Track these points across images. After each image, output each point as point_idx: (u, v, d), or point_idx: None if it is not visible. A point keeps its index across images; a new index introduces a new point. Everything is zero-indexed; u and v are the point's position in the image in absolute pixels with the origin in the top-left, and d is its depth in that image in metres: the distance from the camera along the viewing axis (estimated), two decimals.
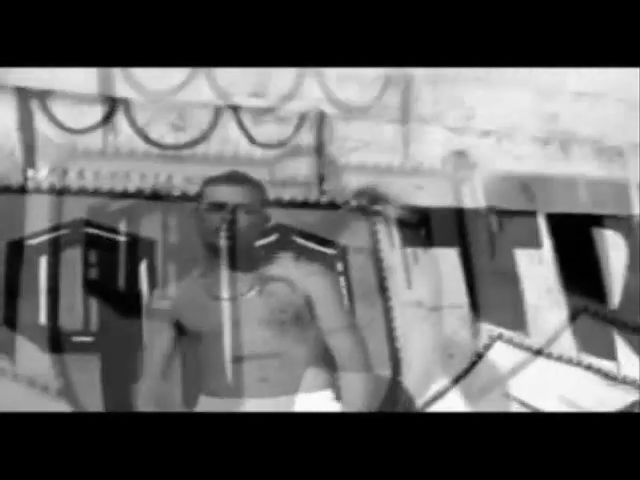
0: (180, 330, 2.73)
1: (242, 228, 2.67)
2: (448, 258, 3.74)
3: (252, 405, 2.60)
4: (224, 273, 2.71)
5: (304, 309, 2.68)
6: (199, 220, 2.72)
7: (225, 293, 2.70)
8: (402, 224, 3.71)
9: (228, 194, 2.69)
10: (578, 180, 3.97)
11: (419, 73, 3.76)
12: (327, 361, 2.67)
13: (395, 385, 3.56)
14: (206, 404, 2.70)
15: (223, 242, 2.67)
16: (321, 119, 3.64)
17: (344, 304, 2.84)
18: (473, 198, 3.83)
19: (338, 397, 2.65)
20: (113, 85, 3.31)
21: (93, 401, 3.12)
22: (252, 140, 3.53)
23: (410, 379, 3.57)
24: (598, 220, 3.99)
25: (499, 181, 3.87)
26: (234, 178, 2.75)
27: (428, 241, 3.73)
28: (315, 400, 2.64)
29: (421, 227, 3.73)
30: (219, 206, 2.67)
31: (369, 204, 3.67)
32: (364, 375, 2.67)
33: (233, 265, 2.71)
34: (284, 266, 2.77)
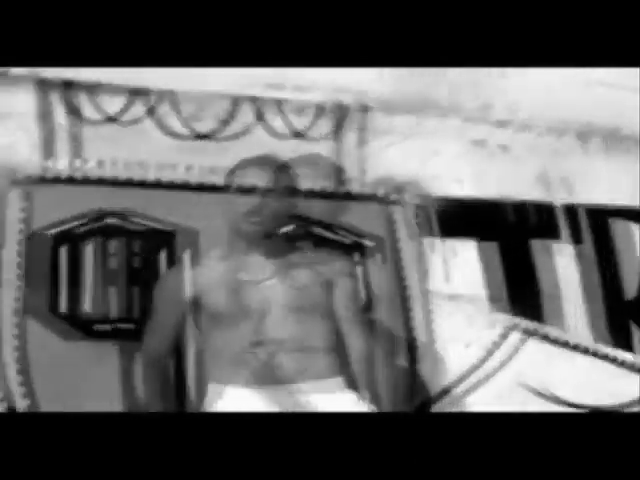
0: (195, 309, 2.72)
1: (270, 213, 2.68)
2: (465, 248, 3.76)
3: (263, 391, 2.62)
4: (249, 257, 2.71)
5: (323, 295, 2.70)
6: (227, 203, 2.71)
7: (249, 277, 2.70)
8: (420, 214, 3.72)
9: (258, 178, 2.69)
10: (595, 170, 3.97)
11: None
12: (340, 348, 2.69)
13: (411, 374, 3.57)
14: (215, 392, 2.70)
15: (250, 227, 2.66)
16: (340, 109, 3.65)
17: (361, 295, 2.86)
18: (488, 187, 3.83)
19: (350, 385, 2.67)
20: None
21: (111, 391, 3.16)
22: (270, 130, 3.54)
23: (426, 368, 3.58)
24: (615, 211, 3.99)
25: (515, 171, 3.87)
26: (265, 162, 2.76)
27: (445, 231, 3.74)
28: (326, 387, 2.66)
29: (438, 216, 3.74)
30: (248, 190, 2.66)
31: (386, 193, 3.68)
32: (379, 363, 2.70)
33: (261, 249, 2.72)
34: (306, 253, 2.78)
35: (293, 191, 2.78)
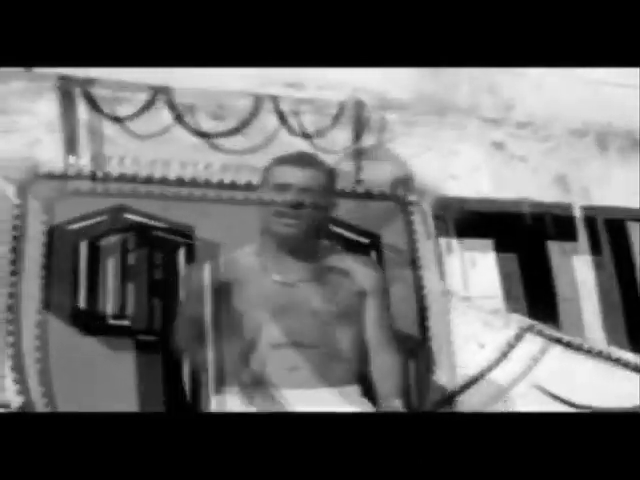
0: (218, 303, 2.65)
1: (306, 213, 2.59)
2: (482, 249, 3.77)
3: (278, 395, 2.57)
4: (282, 258, 2.64)
5: (355, 303, 2.66)
6: (261, 201, 2.65)
7: (281, 278, 2.63)
8: (437, 214, 3.73)
9: (294, 176, 2.61)
10: (612, 174, 3.97)
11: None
12: (361, 357, 2.64)
13: (426, 374, 3.59)
14: (228, 393, 2.62)
15: (284, 227, 2.59)
16: (359, 109, 3.67)
17: (390, 306, 2.79)
18: (507, 189, 3.84)
19: (366, 393, 2.63)
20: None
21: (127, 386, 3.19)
22: (290, 129, 3.56)
23: (441, 369, 3.60)
24: (634, 213, 3.99)
25: (533, 173, 3.88)
26: (302, 160, 2.68)
27: (463, 232, 3.75)
28: (342, 395, 2.60)
29: (456, 218, 3.75)
30: (284, 188, 2.60)
31: (405, 194, 3.69)
32: (398, 369, 2.66)
33: (293, 251, 2.64)
34: (343, 258, 2.73)
35: (330, 191, 2.68)
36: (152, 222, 3.33)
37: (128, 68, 3.19)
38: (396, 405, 2.60)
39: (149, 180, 3.35)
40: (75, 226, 3.23)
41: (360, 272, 2.69)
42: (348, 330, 2.66)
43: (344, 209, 3.58)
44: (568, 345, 3.79)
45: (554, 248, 3.86)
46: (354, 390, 2.64)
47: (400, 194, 3.68)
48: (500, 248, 3.79)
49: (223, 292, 2.66)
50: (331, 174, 2.70)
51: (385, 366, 2.68)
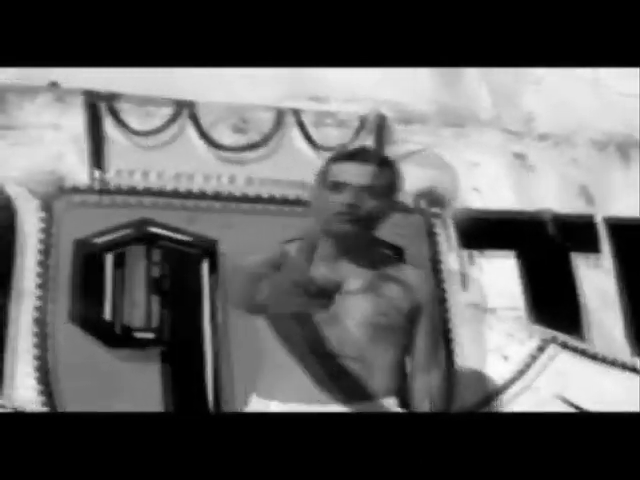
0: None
1: (365, 214, 2.35)
2: (505, 261, 3.77)
3: (312, 409, 2.38)
4: (340, 262, 2.41)
5: (406, 316, 2.45)
6: (317, 200, 2.39)
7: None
8: (459, 226, 3.74)
9: (354, 173, 2.35)
10: (635, 182, 3.97)
11: (473, 72, 3.80)
12: (401, 369, 2.48)
13: (450, 386, 3.60)
14: (259, 406, 2.47)
15: (343, 228, 2.35)
16: (381, 121, 3.69)
17: (439, 329, 2.59)
18: (528, 201, 3.85)
19: (402, 404, 2.55)
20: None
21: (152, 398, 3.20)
22: (313, 143, 3.58)
23: (465, 381, 3.60)
24: None
25: (555, 184, 3.89)
26: (363, 155, 2.42)
27: (485, 244, 3.76)
28: (379, 407, 2.44)
29: (479, 229, 3.76)
30: (342, 186, 2.35)
31: (428, 206, 3.70)
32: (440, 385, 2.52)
33: (351, 256, 2.40)
34: (400, 268, 2.51)
35: (394, 189, 2.40)
36: (176, 235, 3.35)
37: (152, 81, 3.23)
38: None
39: (173, 193, 3.37)
40: (100, 239, 3.26)
41: (416, 284, 2.48)
42: (394, 343, 2.46)
43: None
44: (592, 356, 3.79)
45: (577, 259, 3.86)
46: (391, 403, 2.49)
47: (423, 206, 3.68)
48: (522, 259, 3.79)
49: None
50: (394, 170, 2.42)
51: (430, 383, 2.51)
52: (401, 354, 2.52)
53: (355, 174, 2.35)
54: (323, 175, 2.43)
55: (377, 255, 2.46)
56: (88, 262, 3.24)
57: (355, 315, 2.40)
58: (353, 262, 2.40)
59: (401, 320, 2.46)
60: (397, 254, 3.50)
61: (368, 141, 3.64)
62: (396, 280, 2.45)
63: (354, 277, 2.41)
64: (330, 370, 2.40)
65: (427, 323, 2.50)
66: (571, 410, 3.67)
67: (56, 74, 3.26)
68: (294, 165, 3.52)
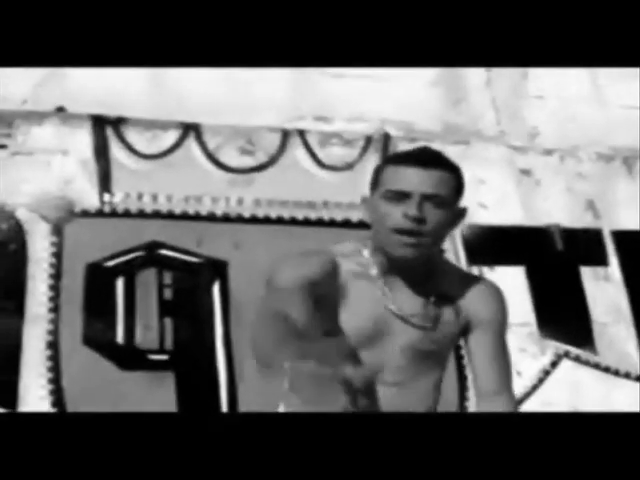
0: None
1: (430, 227, 1.97)
2: (514, 276, 3.77)
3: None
4: (396, 282, 2.07)
5: (455, 340, 2.14)
6: (372, 212, 2.02)
7: (397, 308, 2.07)
8: (468, 243, 3.74)
9: (415, 180, 1.97)
10: None
11: (476, 83, 3.82)
12: (437, 389, 2.24)
13: (461, 403, 3.59)
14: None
15: (404, 249, 1.98)
16: (386, 140, 3.70)
17: (507, 350, 2.14)
18: (536, 216, 3.85)
19: None
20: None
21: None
22: (319, 163, 3.59)
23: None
24: None
25: (563, 198, 3.89)
26: (424, 159, 2.01)
27: (494, 258, 3.76)
28: None
29: (487, 244, 3.76)
30: (402, 195, 1.97)
31: None
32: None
33: (407, 275, 2.06)
34: (454, 283, 2.11)
35: (459, 196, 2.00)
36: (187, 257, 3.35)
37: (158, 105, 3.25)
38: None
39: (183, 216, 3.38)
40: (112, 263, 3.26)
41: (474, 302, 2.12)
42: (437, 368, 2.15)
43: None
44: (605, 370, 3.78)
45: (586, 273, 3.86)
46: None
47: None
48: (532, 274, 3.79)
49: (318, 295, 1.98)
50: (458, 174, 2.03)
51: (502, 408, 2.14)
52: (441, 380, 2.20)
53: (416, 181, 1.98)
54: (377, 183, 2.05)
55: (435, 273, 2.11)
56: (100, 286, 3.24)
57: (403, 341, 2.11)
58: (410, 283, 2.08)
59: (450, 345, 2.17)
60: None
61: (374, 160, 3.65)
62: (448, 299, 2.11)
63: (413, 302, 2.10)
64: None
65: (488, 343, 2.14)
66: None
67: (62, 100, 3.28)
68: (301, 185, 3.53)
